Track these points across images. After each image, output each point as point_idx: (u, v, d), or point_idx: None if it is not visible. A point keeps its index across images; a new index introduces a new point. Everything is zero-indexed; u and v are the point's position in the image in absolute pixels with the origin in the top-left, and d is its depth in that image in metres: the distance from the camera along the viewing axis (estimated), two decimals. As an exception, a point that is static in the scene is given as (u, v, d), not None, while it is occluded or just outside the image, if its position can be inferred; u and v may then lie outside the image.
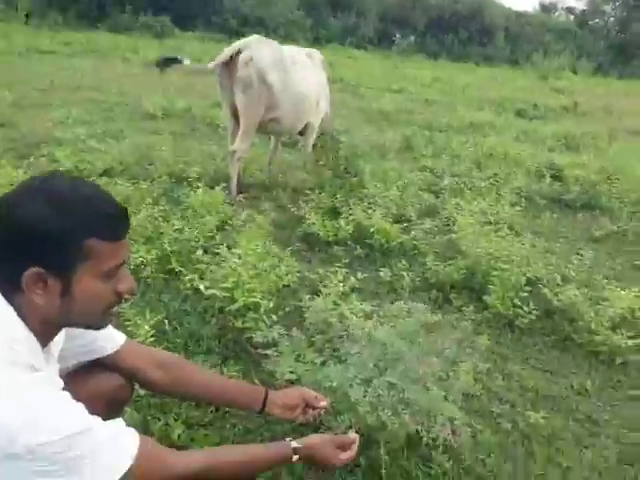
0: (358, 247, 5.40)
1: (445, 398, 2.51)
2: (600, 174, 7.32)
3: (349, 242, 5.50)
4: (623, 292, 4.59)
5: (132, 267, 3.80)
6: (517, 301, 4.39)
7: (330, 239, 5.48)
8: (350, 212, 5.67)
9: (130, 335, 2.27)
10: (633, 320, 4.35)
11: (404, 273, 4.90)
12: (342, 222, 5.53)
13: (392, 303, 4.57)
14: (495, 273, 4.42)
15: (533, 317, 4.33)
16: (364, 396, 2.31)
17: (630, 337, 4.17)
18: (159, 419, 2.58)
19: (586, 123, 13.40)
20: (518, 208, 5.93)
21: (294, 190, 6.57)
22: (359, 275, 4.70)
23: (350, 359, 2.68)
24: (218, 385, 2.10)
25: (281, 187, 6.68)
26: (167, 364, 1.89)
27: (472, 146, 8.65)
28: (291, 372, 2.58)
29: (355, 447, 2.06)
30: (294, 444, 1.86)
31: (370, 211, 5.71)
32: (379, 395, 2.31)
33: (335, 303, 3.70)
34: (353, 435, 2.12)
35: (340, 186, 6.08)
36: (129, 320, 3.00)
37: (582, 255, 5.16)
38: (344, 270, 4.60)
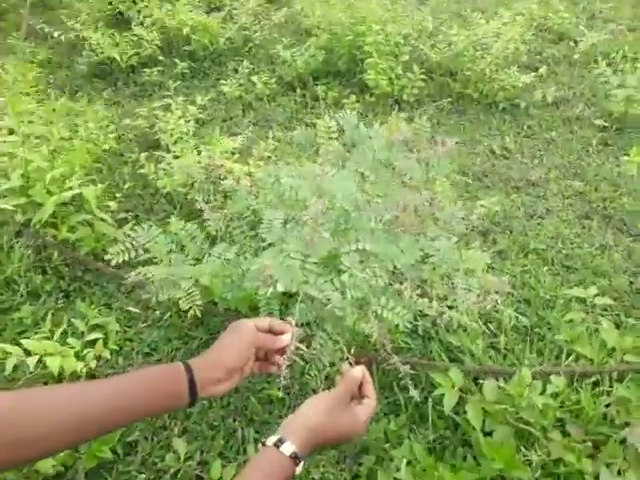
0: (177, 61, 3.89)
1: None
2: None
3: (162, 58, 3.95)
4: (494, 23, 3.93)
5: None
6: (399, 70, 3.51)
7: (132, 61, 3.88)
8: (144, 14, 3.99)
9: None
10: (517, 54, 3.78)
11: (254, 78, 3.66)
12: (140, 31, 3.86)
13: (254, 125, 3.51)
14: (369, 39, 3.39)
15: (422, 84, 3.54)
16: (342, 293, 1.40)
17: (521, 71, 3.65)
18: None
19: None
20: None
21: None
22: (198, 99, 3.38)
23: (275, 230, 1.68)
24: (98, 398, 1.01)
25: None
26: None
27: None
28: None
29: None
30: (287, 450, 0.99)
31: (170, 5, 4.07)
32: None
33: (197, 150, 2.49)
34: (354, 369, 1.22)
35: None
36: None
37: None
38: (179, 99, 3.23)
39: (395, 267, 1.57)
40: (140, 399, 1.04)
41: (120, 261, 1.55)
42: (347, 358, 1.28)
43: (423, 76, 3.57)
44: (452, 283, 1.55)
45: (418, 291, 1.51)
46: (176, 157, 2.68)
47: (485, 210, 2.61)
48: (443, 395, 1.71)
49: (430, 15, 4.15)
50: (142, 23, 4.08)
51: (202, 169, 2.56)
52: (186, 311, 1.70)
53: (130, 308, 2.36)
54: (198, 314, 1.65)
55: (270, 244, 1.66)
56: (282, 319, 1.25)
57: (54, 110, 3.11)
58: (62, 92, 3.77)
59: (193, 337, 2.25)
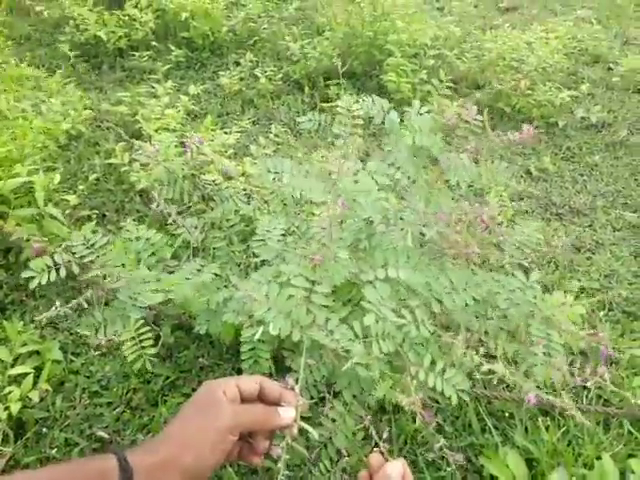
0: (172, 47, 3.43)
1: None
2: None
3: (155, 44, 3.49)
4: (526, 36, 3.55)
5: None
6: (423, 75, 3.09)
7: (120, 44, 3.41)
8: (141, -7, 3.55)
9: None
10: (555, 66, 3.37)
11: (258, 72, 3.21)
12: (132, 11, 3.41)
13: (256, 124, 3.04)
14: (392, 37, 2.96)
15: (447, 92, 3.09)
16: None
17: (559, 88, 3.24)
18: None
19: None
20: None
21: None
22: (191, 88, 2.92)
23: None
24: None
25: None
26: None
27: None
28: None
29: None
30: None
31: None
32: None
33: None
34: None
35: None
36: None
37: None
38: (168, 85, 2.77)
39: (443, 308, 1.10)
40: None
41: (43, 283, 1.05)
42: (376, 445, 0.79)
43: (450, 84, 3.14)
44: (530, 340, 1.06)
45: (480, 349, 1.03)
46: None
47: (524, 238, 2.15)
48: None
49: (457, 24, 3.77)
50: (137, 5, 3.63)
51: (185, 164, 2.08)
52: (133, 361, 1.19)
53: (79, 328, 1.84)
54: (149, 367, 1.15)
55: (263, 262, 1.19)
56: (275, 379, 0.77)
57: (13, 80, 2.63)
58: (38, 70, 3.29)
59: (157, 374, 1.74)
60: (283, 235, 1.16)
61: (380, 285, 0.96)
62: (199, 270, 1.15)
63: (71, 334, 1.86)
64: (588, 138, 3.12)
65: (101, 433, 1.57)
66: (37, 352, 1.73)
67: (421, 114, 1.22)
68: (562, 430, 1.49)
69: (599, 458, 1.31)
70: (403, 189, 1.33)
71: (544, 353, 1.06)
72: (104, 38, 3.40)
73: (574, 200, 2.62)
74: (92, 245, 1.13)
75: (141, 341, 1.14)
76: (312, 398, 1.04)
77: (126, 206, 2.30)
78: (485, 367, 0.90)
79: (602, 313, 2.02)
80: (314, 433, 0.74)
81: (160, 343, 1.76)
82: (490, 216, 1.26)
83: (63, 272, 1.08)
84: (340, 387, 1.04)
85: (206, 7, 3.57)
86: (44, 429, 1.58)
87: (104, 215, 2.25)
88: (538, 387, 1.04)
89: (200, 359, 1.77)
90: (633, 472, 1.25)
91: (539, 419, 1.51)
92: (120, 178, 2.38)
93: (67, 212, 2.13)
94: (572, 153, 3.00)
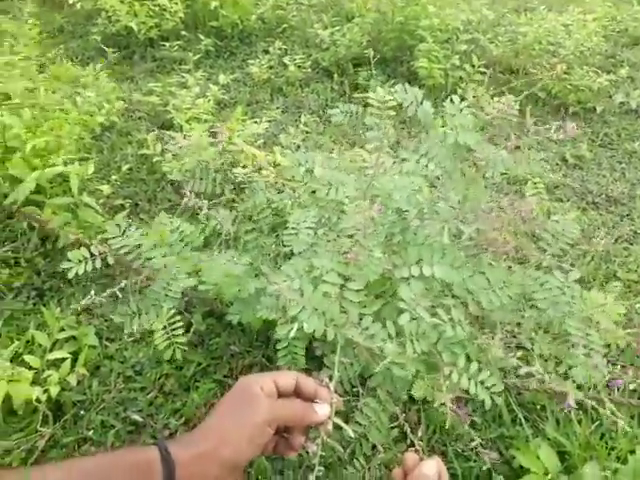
0: (202, 37, 3.45)
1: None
2: None
3: (185, 33, 3.51)
4: (563, 18, 3.43)
5: None
6: (456, 61, 3.02)
7: (151, 34, 3.44)
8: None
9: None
10: (593, 49, 3.26)
11: (287, 60, 3.20)
12: (163, 1, 3.43)
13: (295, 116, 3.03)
14: (424, 22, 2.91)
15: (480, 77, 3.04)
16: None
17: (597, 72, 3.12)
18: None
19: None
20: None
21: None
22: (221, 78, 2.92)
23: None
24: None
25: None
26: None
27: None
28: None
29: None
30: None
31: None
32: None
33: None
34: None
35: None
36: None
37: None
38: (198, 74, 2.79)
39: (481, 307, 1.07)
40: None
41: (80, 273, 1.08)
42: (412, 444, 0.78)
43: (483, 69, 3.07)
44: (568, 341, 1.03)
45: (518, 351, 1.01)
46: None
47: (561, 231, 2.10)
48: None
49: (490, 7, 3.67)
50: (167, -6, 3.65)
51: (218, 154, 2.09)
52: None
53: (114, 316, 1.88)
54: (178, 356, 1.16)
55: (292, 253, 1.18)
56: (310, 373, 0.77)
57: (56, 78, 2.69)
58: (72, 62, 3.35)
59: (189, 361, 1.77)
60: (314, 228, 1.16)
61: (414, 282, 0.94)
62: (230, 261, 1.16)
63: (106, 320, 1.91)
64: (627, 124, 3.02)
65: (135, 416, 1.61)
66: (74, 337, 1.79)
67: (461, 110, 1.18)
68: (595, 423, 1.46)
69: (633, 452, 1.28)
70: (439, 182, 1.30)
71: (583, 354, 1.03)
72: (135, 29, 3.43)
73: (611, 188, 2.54)
74: (127, 237, 1.15)
75: (173, 330, 1.16)
76: (346, 394, 1.04)
77: (158, 195, 2.33)
78: (524, 370, 0.88)
79: (639, 305, 1.96)
80: (349, 430, 0.74)
81: (192, 330, 1.79)
82: (528, 210, 1.23)
83: (99, 263, 1.11)
84: (374, 384, 1.04)
85: (235, -4, 3.57)
86: (81, 411, 1.63)
87: (137, 204, 2.29)
88: (578, 387, 1.02)
89: (231, 346, 1.79)
90: (670, 468, 1.22)
91: (571, 412, 1.49)
92: (152, 168, 2.42)
93: (101, 201, 2.17)
94: (610, 139, 2.90)
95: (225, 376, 1.73)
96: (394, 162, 1.25)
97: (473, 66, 3.04)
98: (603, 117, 3.06)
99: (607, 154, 2.79)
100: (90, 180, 2.26)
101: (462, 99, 1.31)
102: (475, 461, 1.42)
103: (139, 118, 2.87)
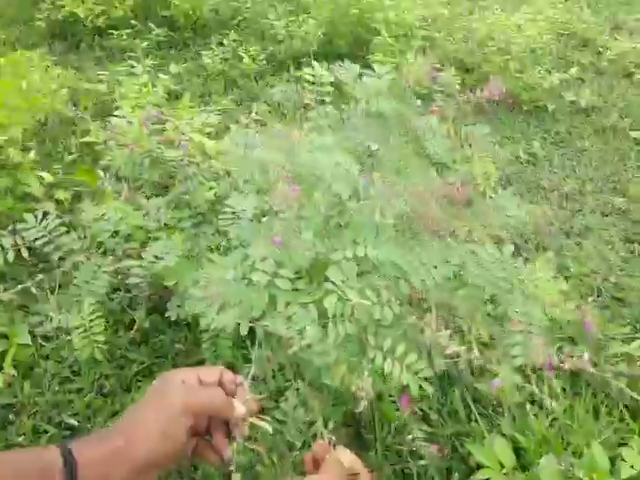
0: (153, 26, 3.33)
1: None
2: None
3: (135, 23, 3.38)
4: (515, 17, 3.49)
5: None
6: (410, 56, 3.01)
7: (99, 22, 3.30)
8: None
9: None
10: (544, 49, 3.32)
11: (241, 52, 3.12)
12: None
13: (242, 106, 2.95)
14: (379, 15, 2.89)
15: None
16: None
17: (549, 72, 3.19)
18: None
19: None
20: None
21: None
22: (172, 67, 2.82)
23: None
24: None
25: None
26: None
27: None
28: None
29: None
30: None
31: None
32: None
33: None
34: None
35: None
36: None
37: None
38: (147, 62, 2.68)
39: (413, 287, 1.02)
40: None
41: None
42: (330, 439, 0.73)
43: (438, 65, 3.07)
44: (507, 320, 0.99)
45: (447, 329, 0.96)
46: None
47: (512, 221, 2.10)
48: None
49: (445, 6, 3.69)
50: (116, -18, 3.51)
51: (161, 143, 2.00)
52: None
53: (51, 313, 1.76)
54: (98, 356, 1.08)
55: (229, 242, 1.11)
56: (234, 370, 0.70)
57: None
58: (14, 50, 3.17)
59: (131, 360, 1.67)
60: (256, 215, 1.09)
61: (346, 264, 0.89)
62: (163, 253, 1.08)
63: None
64: (577, 122, 3.08)
65: (71, 420, 1.50)
66: (6, 336, 1.66)
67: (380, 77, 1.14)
68: (551, 418, 1.45)
69: (588, 446, 1.27)
70: (376, 161, 1.26)
71: (522, 331, 0.98)
72: (82, 16, 3.28)
73: (563, 185, 2.58)
74: (45, 227, 1.05)
75: (92, 328, 1.07)
76: (269, 390, 0.98)
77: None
78: (450, 349, 0.82)
79: (591, 299, 1.98)
80: (265, 426, 0.68)
81: (135, 328, 1.69)
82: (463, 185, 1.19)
83: (11, 255, 1.01)
84: (301, 376, 0.98)
85: (188, -15, 3.46)
86: (11, 416, 1.51)
87: (78, 195, 2.17)
88: (520, 368, 0.98)
89: (177, 344, 1.70)
90: (624, 460, 1.21)
91: (527, 406, 1.47)
92: (97, 157, 2.30)
93: (42, 191, 2.05)
94: (561, 138, 2.95)
95: (170, 375, 1.64)
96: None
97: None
98: (554, 116, 3.11)
99: (559, 151, 2.84)
100: (31, 169, 2.13)
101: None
102: (422, 458, 1.37)
103: (85, 107, 2.73)
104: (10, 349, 1.56)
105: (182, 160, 1.27)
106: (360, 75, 1.17)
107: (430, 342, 0.83)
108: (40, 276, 1.07)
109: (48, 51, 3.27)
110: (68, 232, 1.12)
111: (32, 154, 2.07)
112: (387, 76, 1.20)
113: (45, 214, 1.10)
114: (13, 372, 1.49)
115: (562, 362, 0.88)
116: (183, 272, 1.16)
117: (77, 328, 1.06)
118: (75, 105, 2.73)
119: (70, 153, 2.33)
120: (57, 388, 1.59)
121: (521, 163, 2.72)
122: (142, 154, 1.34)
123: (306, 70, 1.17)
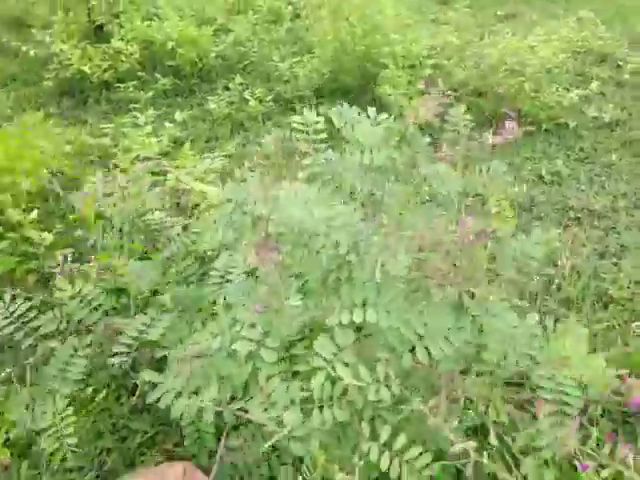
0: (159, 76, 3.33)
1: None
2: None
3: (141, 74, 3.39)
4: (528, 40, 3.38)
5: None
6: (421, 86, 2.90)
7: (105, 77, 3.31)
8: (123, 23, 3.47)
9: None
10: (561, 67, 3.19)
11: (247, 95, 3.08)
12: (118, 44, 3.32)
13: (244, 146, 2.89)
14: (385, 49, 2.81)
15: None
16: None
17: (567, 89, 3.05)
18: None
19: None
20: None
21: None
22: (177, 115, 2.79)
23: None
24: None
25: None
26: None
27: None
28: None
29: None
30: None
31: (155, 18, 3.56)
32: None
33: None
34: None
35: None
36: None
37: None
38: (150, 112, 2.64)
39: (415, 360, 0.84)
40: None
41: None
42: None
43: (450, 92, 2.97)
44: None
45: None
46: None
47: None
48: None
49: (454, 34, 3.62)
50: (122, 38, 3.55)
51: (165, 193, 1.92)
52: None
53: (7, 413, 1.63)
54: (70, 460, 0.95)
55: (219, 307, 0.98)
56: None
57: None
58: (23, 111, 3.20)
59: (134, 430, 1.53)
60: (247, 274, 0.97)
61: (340, 332, 0.74)
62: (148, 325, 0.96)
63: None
64: (602, 137, 2.91)
65: (69, 504, 1.37)
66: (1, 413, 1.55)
67: (378, 124, 1.03)
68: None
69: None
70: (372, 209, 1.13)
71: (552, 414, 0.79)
72: (88, 72, 3.30)
73: (593, 202, 2.40)
74: (13, 313, 0.95)
75: (63, 429, 0.93)
76: None
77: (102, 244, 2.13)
78: (458, 446, 0.65)
79: (634, 324, 1.78)
80: None
81: (137, 394, 1.56)
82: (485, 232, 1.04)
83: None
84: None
85: (193, 35, 3.47)
86: (7, 502, 1.38)
87: (80, 254, 2.09)
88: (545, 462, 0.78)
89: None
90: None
91: None
92: (99, 213, 2.23)
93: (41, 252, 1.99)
94: (586, 154, 2.79)
95: (176, 445, 1.50)
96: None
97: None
98: (577, 132, 2.95)
99: (585, 168, 2.67)
100: (34, 228, 2.07)
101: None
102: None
103: (90, 162, 2.70)
104: (5, 423, 1.44)
105: (165, 222, 1.17)
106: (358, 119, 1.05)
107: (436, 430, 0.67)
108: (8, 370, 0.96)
109: (57, 109, 3.30)
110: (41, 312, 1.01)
111: (34, 214, 2.02)
112: (385, 123, 1.07)
113: (14, 297, 1.00)
114: (7, 454, 1.37)
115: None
116: (174, 338, 1.03)
117: (47, 430, 0.93)
118: (80, 161, 2.70)
119: (72, 211, 2.28)
120: (56, 467, 1.46)
121: (545, 183, 2.55)
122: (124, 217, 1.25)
123: (295, 118, 1.07)
